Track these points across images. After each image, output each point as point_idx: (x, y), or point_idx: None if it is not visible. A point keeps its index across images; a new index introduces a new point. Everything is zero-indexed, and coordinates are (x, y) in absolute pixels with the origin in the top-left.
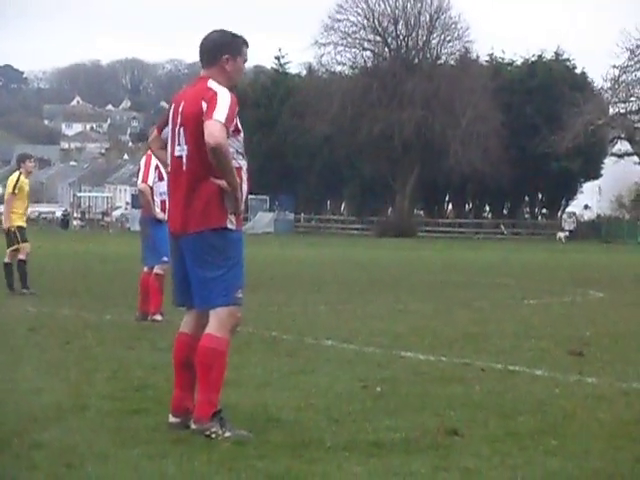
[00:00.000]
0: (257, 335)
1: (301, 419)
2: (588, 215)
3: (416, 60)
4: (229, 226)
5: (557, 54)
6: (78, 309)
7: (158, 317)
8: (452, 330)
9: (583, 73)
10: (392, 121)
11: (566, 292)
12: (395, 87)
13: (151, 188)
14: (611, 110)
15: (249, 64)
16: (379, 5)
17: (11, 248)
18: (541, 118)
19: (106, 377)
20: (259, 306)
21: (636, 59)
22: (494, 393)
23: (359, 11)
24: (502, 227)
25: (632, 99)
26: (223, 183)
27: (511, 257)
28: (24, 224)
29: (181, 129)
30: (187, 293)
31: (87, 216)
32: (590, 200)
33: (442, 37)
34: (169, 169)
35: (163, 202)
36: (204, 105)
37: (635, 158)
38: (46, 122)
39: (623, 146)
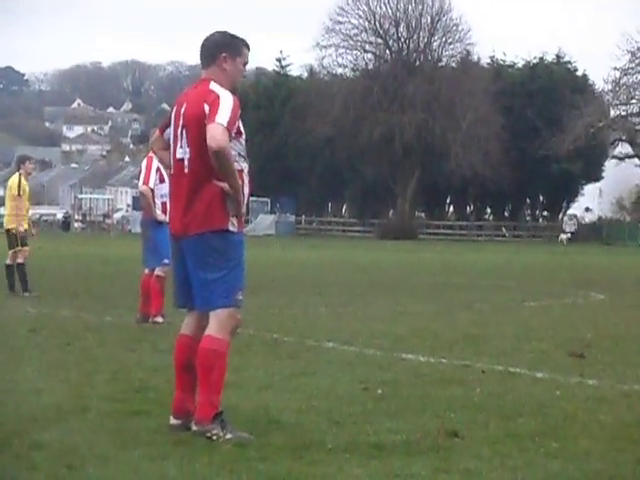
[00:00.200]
0: (258, 337)
1: (302, 421)
2: (589, 217)
3: (417, 62)
4: (230, 228)
5: (558, 56)
6: (79, 310)
7: (159, 319)
8: (453, 332)
9: (584, 75)
10: (393, 124)
11: (567, 294)
12: (396, 90)
13: (152, 190)
14: (612, 112)
15: (251, 66)
16: (380, 7)
17: (12, 250)
18: (542, 120)
19: (107, 379)
20: (260, 308)
21: (637, 61)
22: (495, 395)
23: (360, 13)
24: (503, 229)
25: (633, 101)
26: (225, 185)
27: (512, 259)
28: (26, 226)
29: (183, 131)
30: (188, 295)
31: (88, 218)
32: (591, 202)
33: (443, 39)
34: (171, 171)
35: (164, 204)
36: (206, 107)
37: (636, 160)
38: (47, 124)
39: (624, 148)
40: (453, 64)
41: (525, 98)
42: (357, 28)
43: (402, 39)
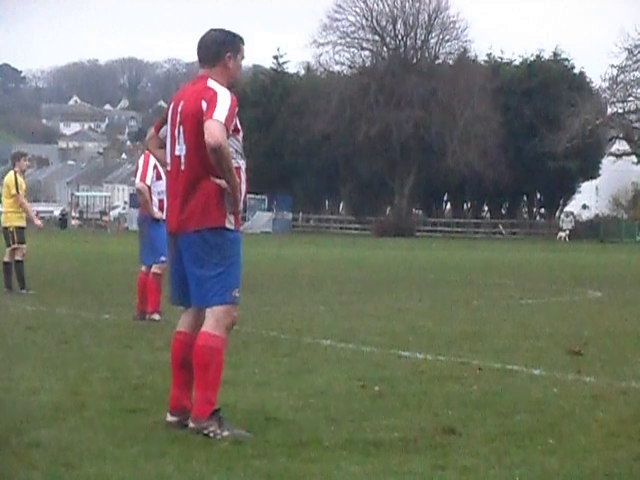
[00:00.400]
0: (255, 335)
1: (299, 418)
2: (586, 215)
3: (414, 60)
4: (227, 226)
5: (555, 54)
6: (76, 308)
7: (156, 316)
8: (450, 329)
9: (581, 73)
10: (390, 121)
11: (564, 291)
12: (393, 87)
13: (149, 187)
14: (609, 110)
15: (248, 63)
16: (377, 4)
17: (10, 247)
18: (539, 118)
19: (104, 376)
20: (257, 306)
21: (634, 59)
22: (492, 392)
23: (358, 10)
24: (500, 227)
25: (630, 99)
26: (222, 183)
27: (509, 257)
28: (24, 224)
29: (181, 128)
30: (184, 292)
31: (85, 215)
32: (588, 200)
33: (440, 37)
34: (168, 168)
35: (161, 201)
36: (204, 104)
37: (633, 158)
38: (44, 121)
39: (621, 146)
40: (450, 61)
41: (522, 96)
42: (354, 25)
43: (399, 36)
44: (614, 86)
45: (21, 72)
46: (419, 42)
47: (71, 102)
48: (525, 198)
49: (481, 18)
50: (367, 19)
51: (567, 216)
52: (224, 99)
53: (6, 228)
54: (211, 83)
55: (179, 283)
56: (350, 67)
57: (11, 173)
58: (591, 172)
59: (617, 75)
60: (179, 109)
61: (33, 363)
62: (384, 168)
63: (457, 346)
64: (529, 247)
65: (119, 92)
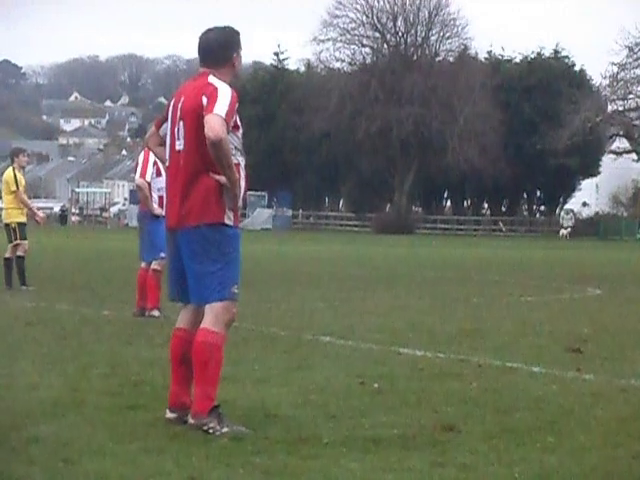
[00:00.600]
0: (255, 331)
1: (298, 415)
2: (586, 212)
3: (415, 57)
4: (226, 222)
5: (556, 51)
6: (76, 304)
7: (155, 313)
8: (450, 326)
9: (582, 70)
10: (390, 118)
11: (564, 289)
12: (393, 84)
13: (149, 184)
14: (609, 107)
15: (248, 60)
16: (378, 1)
17: (12, 243)
18: (539, 115)
19: (103, 372)
20: (257, 302)
21: (635, 56)
22: (491, 389)
23: (358, 7)
24: (500, 224)
25: (630, 96)
26: (222, 178)
27: (509, 254)
28: (25, 220)
29: (181, 124)
30: (183, 288)
31: (85, 212)
32: (588, 197)
33: (441, 34)
34: (168, 165)
35: (161, 198)
36: (204, 100)
37: (633, 155)
38: (44, 117)
39: (621, 143)
40: (451, 58)
41: (523, 93)
42: (355, 22)
43: (400, 33)
44: (614, 84)
45: (21, 68)
46: (419, 39)
47: (71, 98)
48: (525, 195)
49: (481, 15)
50: (367, 16)
51: (567, 213)
52: (225, 94)
53: (7, 224)
54: (212, 79)
55: (178, 279)
56: (350, 64)
57: (10, 169)
58: (591, 169)
59: (617, 73)
60: (179, 105)
61: (32, 359)
62: (384, 165)
63: (457, 343)
64: (529, 244)
65: (119, 88)
